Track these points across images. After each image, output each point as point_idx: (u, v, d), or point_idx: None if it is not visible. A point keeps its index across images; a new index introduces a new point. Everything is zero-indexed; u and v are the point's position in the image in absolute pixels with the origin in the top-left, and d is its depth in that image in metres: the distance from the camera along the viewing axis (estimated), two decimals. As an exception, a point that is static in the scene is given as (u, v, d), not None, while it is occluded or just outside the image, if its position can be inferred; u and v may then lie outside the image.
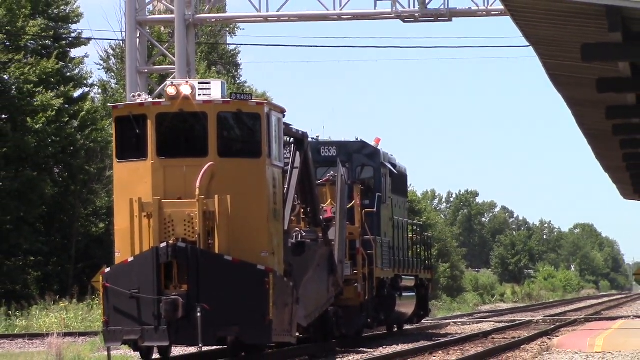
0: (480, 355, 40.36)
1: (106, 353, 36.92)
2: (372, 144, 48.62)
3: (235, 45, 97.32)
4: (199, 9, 59.17)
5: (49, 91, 74.66)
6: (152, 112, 36.78)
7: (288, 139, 40.73)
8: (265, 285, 35.54)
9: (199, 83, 37.38)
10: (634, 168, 45.10)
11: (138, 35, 58.71)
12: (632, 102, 30.26)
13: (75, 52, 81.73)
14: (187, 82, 37.28)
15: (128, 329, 35.55)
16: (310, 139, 42.93)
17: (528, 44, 27.19)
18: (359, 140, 48.50)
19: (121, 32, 76.05)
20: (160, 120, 36.76)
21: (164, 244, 35.26)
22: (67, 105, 75.97)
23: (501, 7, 35.86)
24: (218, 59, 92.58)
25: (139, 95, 38.09)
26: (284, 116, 38.98)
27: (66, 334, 45.25)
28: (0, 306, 64.74)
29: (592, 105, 32.67)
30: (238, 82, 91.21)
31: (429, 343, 47.40)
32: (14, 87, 74.29)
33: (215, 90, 37.05)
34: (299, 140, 40.75)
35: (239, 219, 35.98)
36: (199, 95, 36.77)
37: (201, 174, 35.84)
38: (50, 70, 75.64)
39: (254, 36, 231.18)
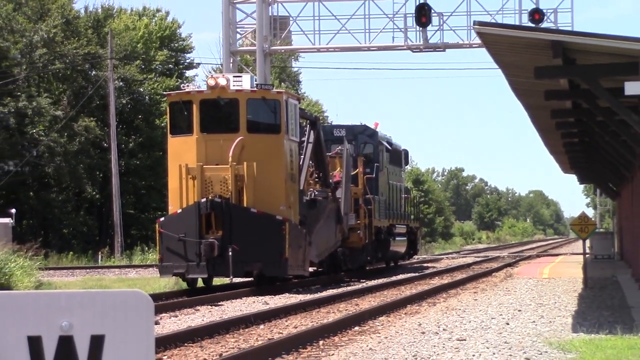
0: (465, 279, 36.64)
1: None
2: (372, 127, 42.21)
3: (298, 68, 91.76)
4: (272, 43, 53.36)
5: (171, 100, 68.63)
6: (196, 98, 30.97)
7: (304, 121, 34.65)
8: (283, 231, 29.89)
9: (233, 76, 31.95)
10: (570, 153, 41.61)
11: (231, 61, 53.41)
12: (569, 107, 27.15)
13: (188, 73, 77.46)
14: (223, 75, 32.23)
15: (177, 264, 29.93)
16: (326, 123, 36.39)
17: (497, 67, 23.69)
18: (363, 124, 42.23)
19: (220, 58, 70.08)
20: (203, 104, 30.95)
21: (204, 199, 29.75)
22: (183, 110, 70.12)
23: (479, 41, 30.96)
24: (286, 77, 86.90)
25: (187, 86, 31.94)
26: (299, 102, 33.45)
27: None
28: (138, 245, 60.13)
29: (542, 109, 29.07)
30: (299, 93, 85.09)
31: (428, 271, 43.22)
32: (147, 97, 68.91)
33: (245, 82, 31.26)
34: (313, 121, 34.63)
35: (262, 180, 30.29)
36: (233, 85, 30.97)
37: (233, 146, 30.29)
38: (172, 85, 69.87)
39: (311, 61, 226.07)
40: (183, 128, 30.82)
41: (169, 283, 32.85)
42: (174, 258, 29.63)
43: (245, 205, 29.74)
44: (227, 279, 30.48)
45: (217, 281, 32.70)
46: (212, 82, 30.41)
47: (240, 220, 29.29)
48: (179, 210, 29.83)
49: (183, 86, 32.13)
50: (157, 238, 30.51)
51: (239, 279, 31.50)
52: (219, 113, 30.97)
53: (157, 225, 30.49)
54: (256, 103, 30.63)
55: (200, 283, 31.35)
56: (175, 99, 31.19)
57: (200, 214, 29.34)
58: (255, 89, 30.82)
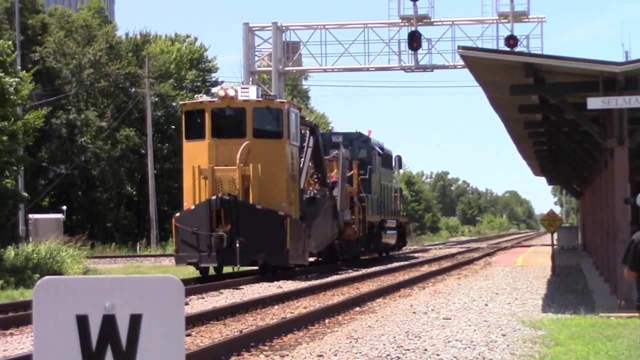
0: (450, 267, 35.28)
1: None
2: (366, 134, 40.24)
3: (307, 85, 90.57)
4: (286, 64, 52.21)
5: (200, 113, 66.99)
6: (208, 107, 29.05)
7: (305, 128, 32.85)
8: (284, 225, 27.95)
9: (241, 88, 29.92)
10: (540, 158, 40.81)
11: (251, 80, 52.06)
12: (540, 119, 26.71)
13: (214, 90, 74.34)
14: (232, 87, 29.87)
15: (190, 254, 28.03)
16: (325, 130, 34.39)
17: (478, 85, 23.15)
18: (357, 131, 40.36)
19: (241, 77, 68.19)
20: (214, 113, 29.03)
21: (214, 197, 27.79)
22: (210, 121, 68.30)
23: (463, 63, 29.86)
24: (297, 93, 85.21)
25: (201, 96, 30.07)
26: (300, 111, 31.38)
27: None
28: (171, 237, 56.73)
29: (516, 120, 28.41)
30: (309, 107, 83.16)
31: (418, 260, 41.34)
32: (178, 110, 66.45)
33: (252, 93, 29.25)
34: (312, 128, 32.76)
35: (266, 180, 28.33)
36: (241, 96, 28.97)
37: (241, 149, 28.33)
38: (200, 100, 67.99)
39: (318, 80, 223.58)
40: (196, 133, 28.92)
41: (197, 270, 31.28)
42: (188, 249, 27.83)
43: (251, 202, 27.86)
44: (235, 267, 28.70)
45: (227, 269, 30.95)
46: (222, 93, 28.68)
47: (247, 216, 27.49)
48: (193, 207, 28.01)
49: (196, 97, 30.30)
50: (173, 231, 28.72)
51: (246, 267, 29.71)
52: (228, 120, 29.06)
53: (173, 220, 28.73)
54: (261, 111, 28.74)
55: (212, 271, 29.50)
56: (190, 108, 29.35)
57: (211, 210, 27.52)
58: (260, 99, 28.96)
